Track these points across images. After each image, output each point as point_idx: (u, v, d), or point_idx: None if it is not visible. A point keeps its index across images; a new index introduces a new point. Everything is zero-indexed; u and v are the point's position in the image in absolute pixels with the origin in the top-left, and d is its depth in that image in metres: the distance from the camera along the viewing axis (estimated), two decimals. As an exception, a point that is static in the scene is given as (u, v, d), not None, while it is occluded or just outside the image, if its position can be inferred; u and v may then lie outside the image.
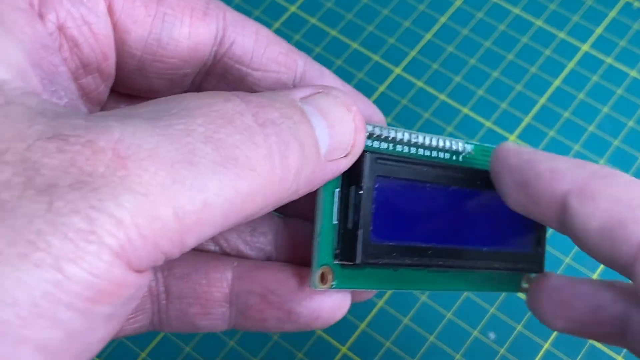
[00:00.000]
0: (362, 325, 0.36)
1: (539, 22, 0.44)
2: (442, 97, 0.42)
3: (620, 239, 0.19)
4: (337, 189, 0.22)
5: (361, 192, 0.21)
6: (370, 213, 0.21)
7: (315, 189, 0.21)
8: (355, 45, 0.43)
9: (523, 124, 0.41)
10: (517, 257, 0.25)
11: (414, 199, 0.23)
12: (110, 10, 0.20)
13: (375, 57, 0.43)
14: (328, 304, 0.23)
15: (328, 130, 0.20)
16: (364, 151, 0.21)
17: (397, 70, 0.43)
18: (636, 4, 0.44)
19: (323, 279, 0.22)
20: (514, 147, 0.23)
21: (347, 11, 0.44)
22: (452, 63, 0.43)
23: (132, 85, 0.22)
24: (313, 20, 0.44)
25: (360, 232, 0.21)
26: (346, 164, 0.21)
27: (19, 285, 0.14)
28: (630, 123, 0.40)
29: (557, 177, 0.21)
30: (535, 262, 0.26)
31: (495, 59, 0.43)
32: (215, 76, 0.23)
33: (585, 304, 0.23)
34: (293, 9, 0.45)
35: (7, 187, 0.14)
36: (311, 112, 0.20)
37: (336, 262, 0.22)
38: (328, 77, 0.24)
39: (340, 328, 0.36)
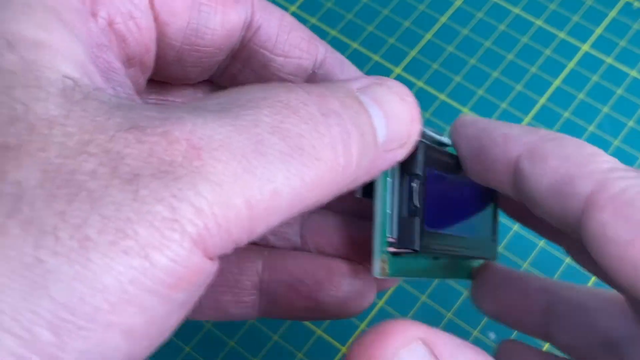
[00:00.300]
0: (362, 325, 0.36)
1: (539, 22, 0.44)
2: (442, 97, 0.42)
3: (568, 194, 0.20)
4: (389, 179, 0.22)
5: (419, 180, 0.22)
6: (423, 202, 0.22)
7: (372, 178, 0.21)
8: (355, 45, 0.43)
9: (523, 124, 0.41)
10: (478, 244, 0.26)
11: (448, 190, 0.24)
12: (151, 4, 0.21)
13: (375, 57, 0.43)
14: (355, 293, 0.24)
15: (385, 120, 0.20)
16: (419, 141, 0.22)
17: (397, 70, 0.43)
18: (636, 4, 0.44)
19: (382, 267, 0.22)
20: (470, 117, 0.24)
21: (347, 11, 0.44)
22: (452, 63, 0.43)
23: (167, 73, 0.23)
24: (313, 20, 0.44)
25: (418, 220, 0.22)
26: (402, 154, 0.21)
27: (109, 272, 0.14)
28: (630, 123, 0.40)
29: (509, 142, 0.21)
30: (490, 250, 0.27)
31: (495, 59, 0.43)
32: (240, 61, 0.24)
33: (514, 292, 0.25)
34: (293, 9, 0.45)
35: (94, 176, 0.15)
36: (368, 102, 0.20)
37: (390, 249, 0.22)
38: (347, 65, 0.25)
39: (340, 328, 0.36)
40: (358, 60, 0.43)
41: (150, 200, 0.15)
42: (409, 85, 0.42)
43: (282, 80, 0.24)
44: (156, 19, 0.21)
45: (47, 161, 0.15)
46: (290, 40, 0.23)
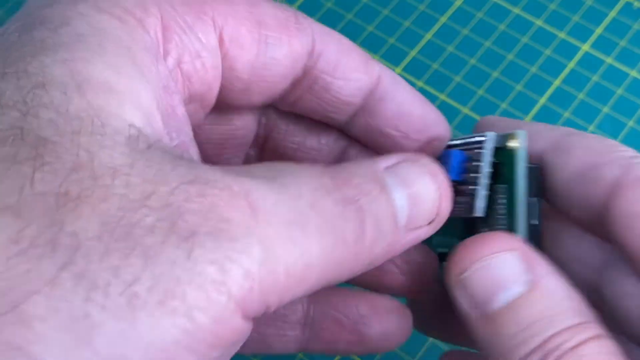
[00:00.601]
0: (362, 325, 0.36)
1: (539, 22, 0.44)
2: (442, 97, 0.42)
3: (594, 179, 0.21)
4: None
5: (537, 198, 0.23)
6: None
7: (392, 257, 0.21)
8: (355, 45, 0.43)
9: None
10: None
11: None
12: (220, 41, 0.21)
13: (375, 57, 0.43)
14: (395, 326, 0.25)
15: (409, 200, 0.20)
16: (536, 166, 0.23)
17: (397, 70, 0.43)
18: (636, 4, 0.44)
19: None
20: (495, 117, 0.25)
21: (347, 11, 0.44)
22: (452, 63, 0.43)
23: (232, 102, 0.23)
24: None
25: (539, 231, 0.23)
26: (428, 231, 0.21)
27: (153, 331, 0.14)
28: (630, 123, 0.40)
29: (534, 138, 0.23)
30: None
31: (495, 59, 0.43)
32: (302, 87, 0.24)
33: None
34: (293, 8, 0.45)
35: (152, 232, 0.15)
36: (393, 182, 0.20)
37: None
38: (402, 84, 0.25)
39: (341, 328, 0.36)
40: (358, 60, 0.43)
41: (203, 260, 0.15)
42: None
43: (341, 102, 0.24)
44: (225, 55, 0.21)
45: (107, 213, 0.15)
46: (349, 63, 0.24)
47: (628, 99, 0.41)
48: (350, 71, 0.24)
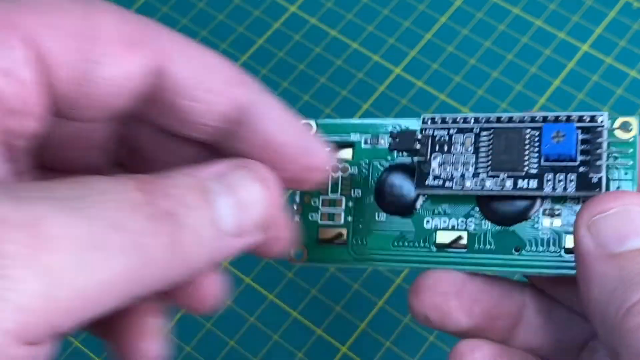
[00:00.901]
0: (362, 325, 0.36)
1: (539, 22, 0.44)
2: (442, 97, 0.42)
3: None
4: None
5: None
6: None
7: (222, 261, 0.22)
8: (355, 45, 0.43)
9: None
10: None
11: None
12: (36, 57, 0.20)
13: (375, 57, 0.43)
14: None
15: (235, 207, 0.20)
16: None
17: (397, 70, 0.43)
18: (636, 4, 0.44)
19: None
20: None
21: (347, 11, 0.45)
22: (452, 63, 0.43)
23: (67, 116, 0.22)
24: (313, 20, 0.44)
25: None
26: (261, 237, 0.21)
27: None
28: (630, 123, 0.40)
29: None
30: None
31: (495, 59, 0.43)
32: (154, 109, 0.23)
33: (489, 297, 0.26)
34: (293, 9, 0.45)
35: None
36: (219, 190, 0.20)
37: None
38: (275, 110, 0.24)
39: (341, 328, 0.36)
40: (358, 60, 0.43)
41: None
42: (409, 85, 0.42)
43: (196, 124, 0.23)
44: (44, 72, 0.20)
45: None
46: (207, 84, 0.23)
47: (628, 99, 0.41)
48: (209, 94, 0.23)
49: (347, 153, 0.28)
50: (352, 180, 0.28)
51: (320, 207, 0.28)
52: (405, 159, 0.27)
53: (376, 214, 0.27)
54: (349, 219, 0.27)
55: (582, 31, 0.43)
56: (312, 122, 0.28)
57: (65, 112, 0.22)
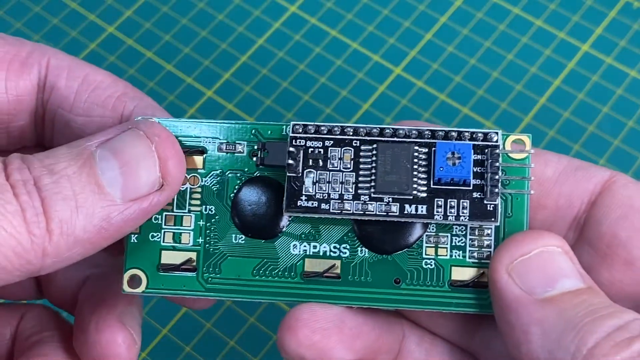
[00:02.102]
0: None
1: (539, 22, 0.44)
2: (442, 97, 0.42)
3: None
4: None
5: None
6: None
7: (131, 229, 0.21)
8: (355, 46, 0.43)
9: (523, 124, 0.41)
10: None
11: None
12: None
13: (375, 57, 0.43)
14: None
15: (121, 170, 0.20)
16: None
17: (397, 70, 0.43)
18: (636, 4, 0.44)
19: None
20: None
21: (347, 11, 0.45)
22: (452, 63, 0.43)
23: None
24: (313, 20, 0.44)
25: None
26: (162, 197, 0.21)
27: None
28: (630, 123, 0.40)
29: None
30: None
31: (495, 59, 0.43)
32: (48, 123, 0.24)
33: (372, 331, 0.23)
34: (293, 9, 0.45)
35: None
36: (103, 155, 0.20)
37: None
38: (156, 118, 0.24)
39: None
40: (358, 60, 0.43)
41: None
42: (409, 85, 0.42)
43: None
44: None
45: None
46: (92, 99, 0.23)
47: (628, 99, 0.41)
48: (93, 107, 0.23)
49: (196, 161, 0.23)
50: (202, 194, 0.23)
51: (163, 225, 0.23)
52: (268, 170, 0.23)
53: (233, 235, 0.23)
54: (199, 240, 0.23)
55: (582, 31, 0.43)
56: (155, 119, 0.23)
57: None
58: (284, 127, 0.23)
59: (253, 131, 0.23)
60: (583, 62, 0.42)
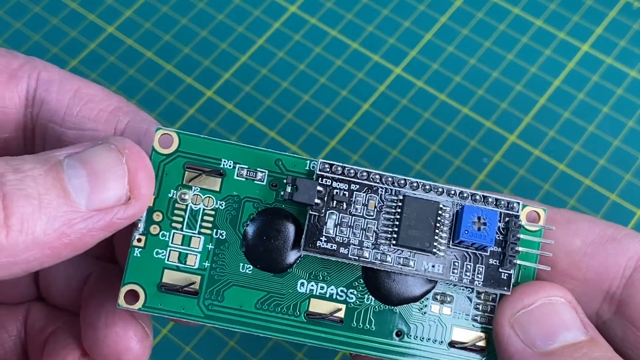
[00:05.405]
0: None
1: (539, 22, 0.44)
2: (442, 97, 0.42)
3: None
4: None
5: None
6: None
7: (99, 240, 0.20)
8: (355, 45, 0.43)
9: (523, 124, 0.41)
10: None
11: None
12: None
13: (375, 57, 0.43)
14: None
15: (88, 179, 0.19)
16: None
17: (397, 70, 0.43)
18: (636, 4, 0.44)
19: None
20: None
21: (347, 11, 0.45)
22: (452, 63, 0.43)
23: None
24: (313, 20, 0.44)
25: None
26: (129, 211, 0.20)
27: None
28: (630, 123, 0.40)
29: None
30: None
31: (495, 59, 0.43)
32: (39, 137, 0.23)
33: None
34: (293, 9, 0.45)
35: None
36: (71, 164, 0.19)
37: None
38: (147, 135, 0.23)
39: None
40: (358, 60, 0.43)
41: None
42: (409, 85, 0.42)
43: None
44: None
45: None
46: (83, 112, 0.23)
47: (628, 99, 0.41)
48: (84, 121, 0.23)
49: (214, 182, 0.23)
50: (215, 217, 0.23)
51: (170, 243, 0.23)
52: (287, 204, 0.23)
53: (241, 264, 0.23)
54: (206, 264, 0.23)
55: (582, 31, 0.43)
56: (174, 134, 0.23)
57: None
58: (308, 162, 0.23)
59: (276, 161, 0.23)
60: (583, 62, 0.42)
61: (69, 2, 0.45)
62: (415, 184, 0.23)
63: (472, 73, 0.42)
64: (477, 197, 0.23)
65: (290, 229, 0.23)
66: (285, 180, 0.23)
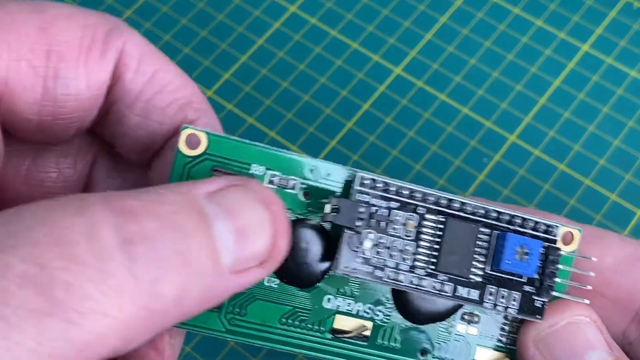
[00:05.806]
0: (362, 325, 0.36)
1: (539, 22, 0.44)
2: (442, 97, 0.42)
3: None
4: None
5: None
6: None
7: (216, 304, 0.18)
8: (355, 45, 0.43)
9: (523, 124, 0.41)
10: None
11: None
12: None
13: (376, 57, 0.43)
14: None
15: (235, 236, 0.17)
16: None
17: (397, 70, 0.43)
18: (636, 4, 0.44)
19: None
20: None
21: (347, 11, 0.45)
22: (452, 63, 0.43)
23: (39, 140, 0.21)
24: (313, 21, 0.44)
25: None
26: (259, 274, 0.18)
27: None
28: (630, 123, 0.40)
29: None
30: None
31: (495, 59, 0.43)
32: (102, 111, 0.21)
33: None
34: (293, 9, 0.45)
35: None
36: (216, 213, 0.16)
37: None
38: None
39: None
40: (358, 60, 0.43)
41: None
42: (409, 85, 0.42)
43: (134, 149, 0.20)
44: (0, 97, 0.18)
45: None
46: (155, 101, 0.21)
47: (628, 99, 0.41)
48: (153, 110, 0.21)
49: None
50: None
51: None
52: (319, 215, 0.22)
53: (266, 277, 0.22)
54: None
55: (582, 31, 0.43)
56: (202, 134, 0.21)
57: (31, 136, 0.20)
58: (346, 171, 0.22)
59: (310, 169, 0.22)
60: (583, 62, 0.42)
61: (69, 3, 0.45)
62: (457, 205, 0.22)
63: (472, 73, 0.42)
64: (516, 221, 0.22)
65: (322, 242, 0.22)
66: (323, 200, 0.21)
